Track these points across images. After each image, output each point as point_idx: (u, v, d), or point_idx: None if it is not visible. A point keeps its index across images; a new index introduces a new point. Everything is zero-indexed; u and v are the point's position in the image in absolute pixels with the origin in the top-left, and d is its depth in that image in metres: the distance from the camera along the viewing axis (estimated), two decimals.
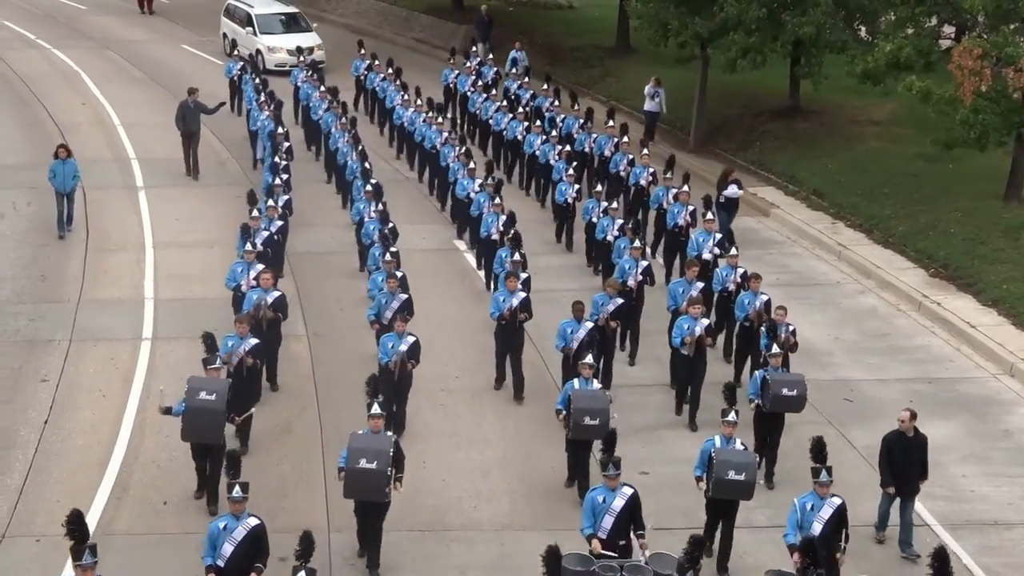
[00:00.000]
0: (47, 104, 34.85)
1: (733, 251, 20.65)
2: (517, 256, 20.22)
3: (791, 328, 18.23)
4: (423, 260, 24.14)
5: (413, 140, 28.92)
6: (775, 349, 17.09)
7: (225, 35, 40.65)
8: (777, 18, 28.97)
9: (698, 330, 18.27)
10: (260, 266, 19.73)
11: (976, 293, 23.18)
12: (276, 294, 19.02)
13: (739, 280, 20.05)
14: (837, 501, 14.19)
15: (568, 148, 26.37)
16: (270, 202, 22.68)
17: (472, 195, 24.02)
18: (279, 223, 22.47)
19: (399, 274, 19.55)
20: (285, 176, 24.62)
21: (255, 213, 21.87)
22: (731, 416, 15.14)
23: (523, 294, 19.13)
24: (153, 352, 20.53)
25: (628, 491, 14.07)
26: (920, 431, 15.82)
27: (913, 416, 15.70)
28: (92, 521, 15.80)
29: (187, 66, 39.54)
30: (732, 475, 14.69)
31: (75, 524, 12.68)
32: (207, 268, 23.60)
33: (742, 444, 15.22)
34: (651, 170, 25.23)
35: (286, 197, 23.65)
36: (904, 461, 15.70)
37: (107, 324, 21.54)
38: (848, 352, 21.31)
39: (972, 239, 24.79)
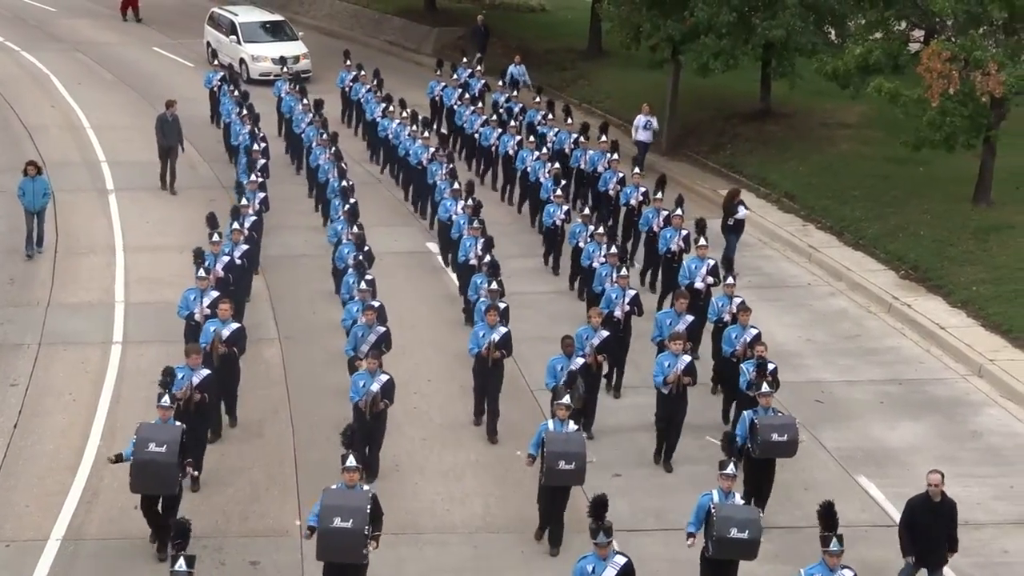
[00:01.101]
0: (16, 107, 34.61)
1: (730, 280, 19.61)
2: (494, 285, 19.24)
3: (772, 367, 16.94)
4: (394, 262, 24.11)
5: (396, 153, 27.97)
6: (765, 388, 16.06)
7: (209, 44, 39.44)
8: (747, 21, 29.09)
9: (680, 366, 17.18)
10: (215, 293, 18.50)
11: (946, 295, 23.33)
12: (234, 327, 17.76)
13: (735, 311, 18.77)
14: (848, 575, 13.05)
15: (557, 166, 25.15)
16: (235, 224, 21.24)
17: (454, 217, 22.92)
18: (244, 247, 21.07)
19: (376, 304, 18.68)
20: (262, 194, 23.67)
21: (215, 237, 20.38)
22: (730, 468, 14.04)
23: (504, 329, 18.13)
24: (124, 356, 20.43)
25: (620, 560, 13.05)
26: (948, 496, 14.61)
27: (943, 478, 14.45)
28: (62, 526, 15.77)
29: (158, 69, 39.45)
30: (735, 533, 13.69)
31: None
32: (178, 272, 23.44)
33: (743, 498, 14.33)
34: (642, 190, 24.10)
35: (254, 218, 22.45)
36: (929, 528, 14.49)
37: (77, 328, 21.43)
38: (819, 354, 21.40)
39: (941, 241, 24.95)
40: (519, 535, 15.94)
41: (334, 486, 14.02)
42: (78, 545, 15.43)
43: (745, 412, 16.15)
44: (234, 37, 38.45)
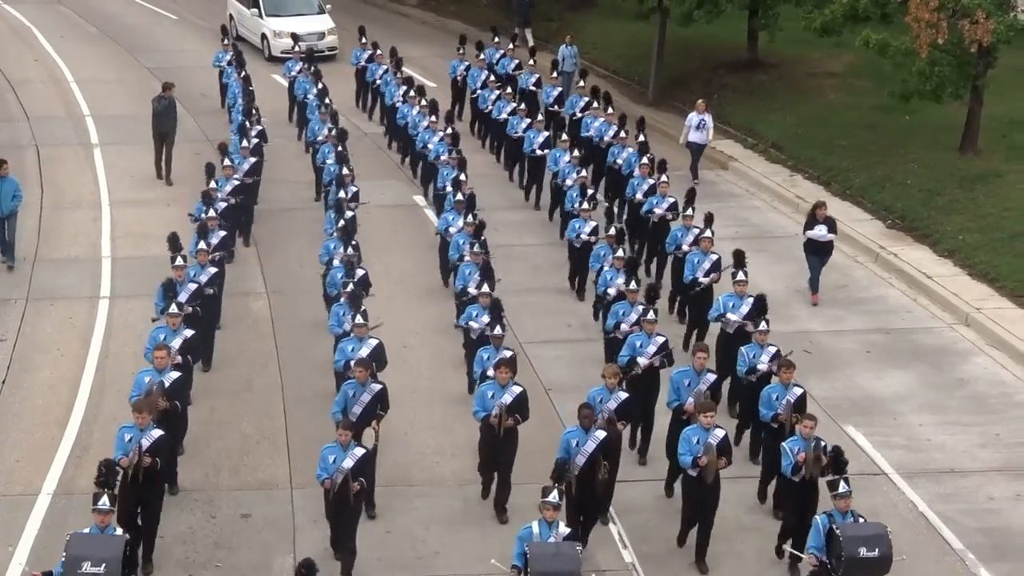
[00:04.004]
0: None
1: (763, 325, 16.34)
2: (498, 329, 16.27)
3: (823, 444, 14.00)
4: (382, 216, 24.03)
5: (415, 146, 25.24)
6: (843, 488, 12.95)
7: (231, 16, 36.67)
8: None
9: (712, 444, 14.02)
10: (189, 332, 16.20)
11: (932, 244, 23.39)
12: (174, 376, 15.17)
13: (768, 364, 15.90)
14: None
15: (584, 174, 22.04)
16: (201, 244, 18.53)
17: (452, 231, 20.19)
18: (212, 270, 18.34)
19: (373, 343, 16.14)
20: (229, 202, 20.96)
21: (179, 261, 17.81)
22: None
23: (517, 389, 15.08)
24: (111, 311, 20.42)
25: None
26: None
27: None
28: (53, 480, 15.81)
29: (141, 21, 39.19)
30: None
31: None
32: (164, 226, 23.22)
33: None
34: (670, 200, 21.11)
35: (222, 233, 19.65)
36: None
37: (64, 283, 21.38)
38: (807, 304, 21.45)
39: (928, 190, 24.98)
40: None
41: None
42: (68, 499, 15.47)
43: (818, 518, 13.11)
44: (255, 10, 35.52)
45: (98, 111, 30.28)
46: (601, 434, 14.26)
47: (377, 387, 15.19)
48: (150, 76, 33.06)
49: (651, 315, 16.45)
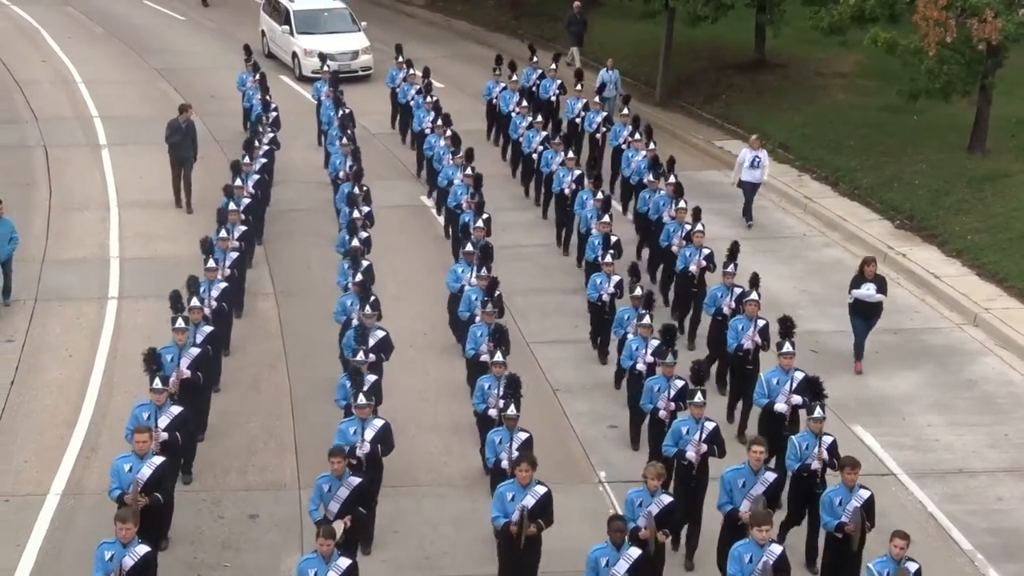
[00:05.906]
0: (7, 61, 34.40)
1: (818, 412, 14.13)
2: (512, 410, 14.23)
3: (917, 568, 12.23)
4: (390, 216, 24.01)
5: (439, 181, 23.34)
6: None
7: (263, 33, 35.46)
8: None
9: (768, 562, 12.17)
10: (176, 409, 14.64)
11: (941, 244, 23.37)
12: (156, 462, 13.55)
13: (826, 457, 13.98)
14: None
15: (607, 219, 19.91)
16: (194, 301, 16.83)
17: (467, 288, 18.11)
18: (207, 329, 16.69)
19: (379, 424, 14.55)
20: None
21: (180, 323, 16.01)
22: None
23: (542, 489, 13.16)
24: (119, 311, 20.43)
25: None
26: None
27: None
28: (61, 480, 15.83)
29: (149, 22, 39.30)
30: None
31: None
32: (172, 227, 23.49)
33: None
34: (706, 252, 19.16)
35: (224, 285, 18.18)
36: None
37: (72, 284, 21.41)
38: (814, 304, 21.43)
39: (937, 190, 24.95)
40: None
41: None
42: (77, 499, 15.50)
43: None
44: (287, 27, 33.90)
45: (106, 112, 30.33)
46: (635, 552, 12.22)
47: (356, 480, 13.56)
48: (158, 77, 33.19)
49: (699, 397, 14.22)
